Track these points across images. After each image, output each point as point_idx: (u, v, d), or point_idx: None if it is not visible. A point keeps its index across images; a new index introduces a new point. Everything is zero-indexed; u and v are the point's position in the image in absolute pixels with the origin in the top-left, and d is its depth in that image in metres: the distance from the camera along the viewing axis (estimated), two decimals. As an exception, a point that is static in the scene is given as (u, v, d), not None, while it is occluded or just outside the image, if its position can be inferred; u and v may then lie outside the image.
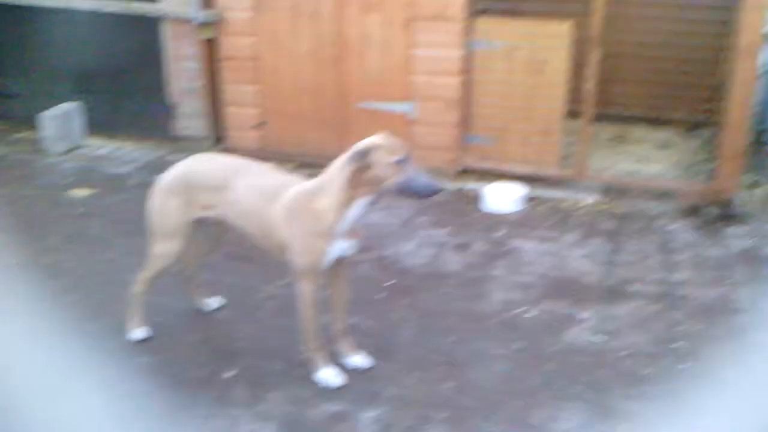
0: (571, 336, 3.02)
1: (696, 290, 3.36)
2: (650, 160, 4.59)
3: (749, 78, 3.71)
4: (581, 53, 4.15)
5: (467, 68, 4.26)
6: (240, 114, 4.80)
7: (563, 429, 2.50)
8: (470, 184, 4.44)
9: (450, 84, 4.26)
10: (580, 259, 3.66)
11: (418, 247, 3.80)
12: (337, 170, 2.45)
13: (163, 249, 2.80)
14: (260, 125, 4.77)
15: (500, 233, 3.92)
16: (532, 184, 4.38)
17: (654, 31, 4.53)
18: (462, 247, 3.78)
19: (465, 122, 4.38)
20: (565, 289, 3.39)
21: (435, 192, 2.41)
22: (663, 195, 4.26)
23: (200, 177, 2.74)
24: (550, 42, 4.07)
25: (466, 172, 4.50)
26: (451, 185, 4.42)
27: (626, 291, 3.36)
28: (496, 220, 4.07)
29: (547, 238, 3.86)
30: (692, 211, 4.08)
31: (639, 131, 4.98)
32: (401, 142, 2.45)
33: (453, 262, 3.64)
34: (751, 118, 3.84)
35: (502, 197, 4.17)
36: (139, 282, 2.92)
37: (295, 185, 2.60)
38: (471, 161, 4.43)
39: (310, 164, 4.70)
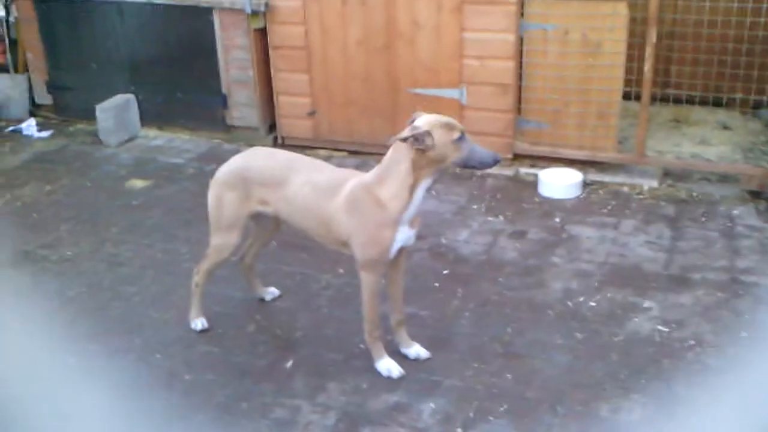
0: (635, 325, 2.96)
1: (762, 278, 3.26)
2: (710, 142, 4.45)
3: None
4: (637, 33, 4.04)
5: (520, 51, 4.18)
6: (291, 103, 4.79)
7: (628, 421, 2.46)
8: (525, 170, 4.37)
9: (503, 68, 4.19)
10: (641, 245, 3.57)
11: (474, 234, 3.76)
12: (398, 156, 2.44)
13: (222, 241, 2.82)
14: (311, 114, 4.76)
15: (557, 220, 3.85)
16: (589, 168, 4.29)
17: (712, 10, 4.36)
18: (518, 235, 3.72)
19: (518, 106, 4.30)
20: (627, 277, 3.31)
21: (496, 162, 2.49)
22: (725, 179, 4.14)
23: (256, 172, 2.75)
24: (605, 23, 3.97)
25: (520, 157, 4.42)
26: (506, 172, 4.36)
27: (690, 279, 3.27)
28: (553, 207, 3.99)
29: (606, 225, 3.78)
30: (756, 195, 3.95)
31: (698, 113, 4.82)
32: (454, 118, 2.49)
33: (510, 249, 3.59)
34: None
35: (559, 183, 4.10)
36: (199, 273, 2.95)
37: (352, 178, 2.59)
38: (525, 146, 4.35)
39: (362, 152, 4.73)
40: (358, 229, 2.53)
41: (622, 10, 3.94)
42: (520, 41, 4.15)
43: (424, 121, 2.43)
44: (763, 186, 3.92)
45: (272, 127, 4.99)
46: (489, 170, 3.58)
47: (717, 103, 4.74)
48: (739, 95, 4.75)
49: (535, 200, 4.09)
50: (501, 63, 4.18)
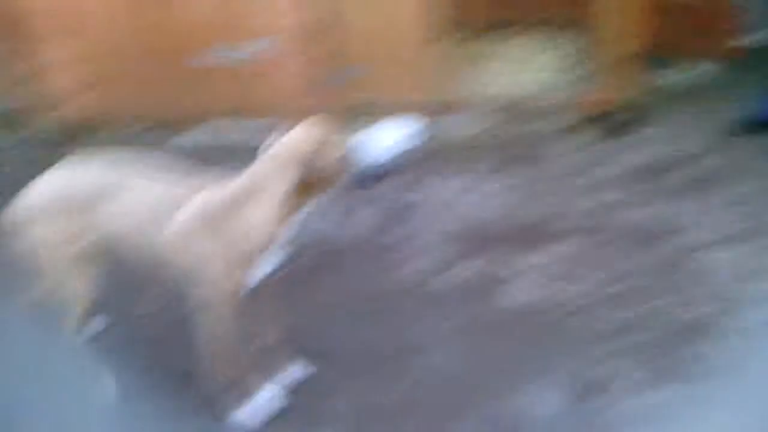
0: (517, 293, 2.63)
1: (626, 213, 3.07)
2: (530, 70, 4.25)
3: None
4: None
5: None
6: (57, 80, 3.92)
7: (548, 414, 2.13)
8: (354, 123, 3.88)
9: (299, 19, 3.63)
10: (491, 199, 3.26)
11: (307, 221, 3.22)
12: (273, 177, 1.89)
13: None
14: (85, 90, 3.92)
15: (392, 184, 3.43)
16: (415, 117, 3.89)
17: None
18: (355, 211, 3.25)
19: (322, 60, 3.78)
20: (489, 238, 2.99)
21: (390, 172, 2.12)
22: (559, 109, 3.92)
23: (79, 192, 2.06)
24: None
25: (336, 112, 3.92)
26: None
27: (555, 229, 3.01)
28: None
29: (448, 180, 3.42)
30: (593, 122, 3.78)
31: (510, 39, 4.61)
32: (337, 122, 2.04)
33: (352, 230, 3.12)
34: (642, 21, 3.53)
35: (383, 141, 3.66)
36: None
37: (199, 192, 1.95)
38: (341, 99, 3.85)
39: (157, 127, 3.98)
40: (205, 261, 1.93)
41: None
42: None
43: (306, 135, 1.92)
44: (602, 110, 3.75)
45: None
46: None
47: (525, 26, 4.54)
48: (545, 15, 4.58)
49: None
50: (302, 11, 3.62)
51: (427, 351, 2.39)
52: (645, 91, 3.82)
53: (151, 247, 2.00)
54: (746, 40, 4.20)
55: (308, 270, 2.82)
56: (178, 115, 3.90)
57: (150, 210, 1.99)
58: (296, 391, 2.22)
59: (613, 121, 3.75)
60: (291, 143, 1.91)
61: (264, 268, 1.98)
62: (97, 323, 2.47)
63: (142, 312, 2.63)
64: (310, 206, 1.97)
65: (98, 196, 2.04)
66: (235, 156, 2.13)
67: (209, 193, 1.96)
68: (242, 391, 2.12)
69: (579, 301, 2.58)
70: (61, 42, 3.86)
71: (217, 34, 3.74)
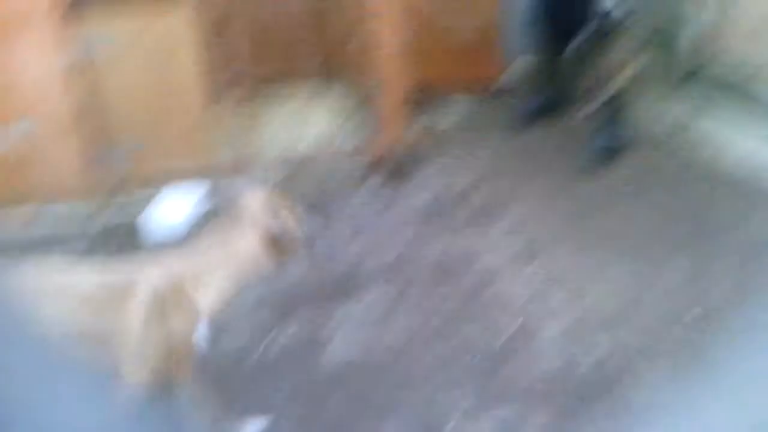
0: (338, 349, 2.66)
1: (422, 251, 3.23)
2: (302, 123, 4.31)
3: (399, 22, 3.60)
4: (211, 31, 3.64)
5: (83, 74, 3.44)
6: None
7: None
8: (126, 202, 3.69)
9: (65, 97, 3.41)
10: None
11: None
12: (240, 241, 1.84)
13: None
14: None
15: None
16: (199, 183, 3.81)
17: None
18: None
19: (96, 137, 3.58)
20: (299, 298, 2.98)
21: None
22: (341, 159, 4.03)
23: None
24: (172, 27, 3.46)
25: (114, 191, 3.72)
26: (103, 216, 3.62)
27: (361, 278, 3.08)
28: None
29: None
30: (375, 168, 3.93)
31: (270, 94, 4.64)
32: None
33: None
34: (409, 66, 3.75)
35: (172, 213, 3.54)
36: None
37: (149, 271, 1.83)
38: (117, 178, 3.66)
39: None
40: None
41: (190, 12, 3.47)
42: (82, 62, 3.41)
43: (259, 202, 1.87)
44: (380, 157, 3.91)
45: None
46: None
47: (287, 80, 4.62)
48: (307, 67, 4.70)
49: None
50: (61, 91, 3.38)
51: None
52: (421, 133, 4.06)
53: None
54: (505, 73, 4.61)
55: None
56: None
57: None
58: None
59: (393, 166, 3.94)
60: (252, 207, 1.86)
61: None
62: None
63: None
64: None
65: None
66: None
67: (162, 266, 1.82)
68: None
69: (398, 344, 2.66)
70: None
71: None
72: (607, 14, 3.69)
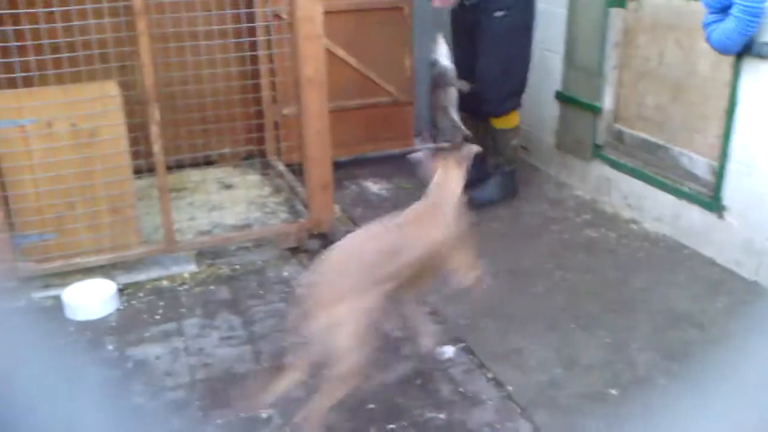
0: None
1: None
2: (223, 206, 4.25)
3: (321, 109, 3.62)
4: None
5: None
6: None
7: None
8: (40, 294, 3.54)
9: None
10: (219, 345, 3.18)
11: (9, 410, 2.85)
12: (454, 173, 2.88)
13: None
14: None
15: (110, 347, 3.19)
16: (114, 271, 3.69)
17: (194, 64, 4.10)
18: (74, 384, 2.95)
19: (10, 222, 3.44)
20: (226, 389, 2.90)
21: None
22: (259, 242, 3.99)
23: None
24: (95, 107, 3.39)
25: (29, 280, 3.56)
26: (17, 302, 3.46)
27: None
28: (96, 331, 3.29)
29: (169, 333, 3.27)
30: (295, 250, 3.91)
31: (191, 176, 4.59)
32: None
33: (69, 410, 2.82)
34: (330, 148, 3.77)
35: (91, 301, 3.41)
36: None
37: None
38: (32, 266, 3.51)
39: None
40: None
41: (112, 90, 3.42)
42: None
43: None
44: (300, 240, 3.90)
45: None
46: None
47: (208, 162, 4.58)
48: (227, 149, 4.68)
49: (69, 329, 3.32)
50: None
51: None
52: (335, 214, 4.07)
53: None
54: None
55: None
56: None
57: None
58: None
59: (313, 248, 3.92)
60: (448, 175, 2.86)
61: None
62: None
63: None
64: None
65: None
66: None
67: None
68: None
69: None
70: None
71: None
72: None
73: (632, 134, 4.35)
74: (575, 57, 4.67)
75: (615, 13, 4.32)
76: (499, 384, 2.90)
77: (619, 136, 4.46)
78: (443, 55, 4.06)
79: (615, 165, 4.42)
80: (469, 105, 4.23)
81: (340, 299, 2.36)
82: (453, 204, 2.79)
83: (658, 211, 4.14)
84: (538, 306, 3.44)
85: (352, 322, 2.35)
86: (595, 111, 4.50)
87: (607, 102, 4.46)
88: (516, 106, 4.45)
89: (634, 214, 4.31)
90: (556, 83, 4.86)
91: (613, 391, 2.83)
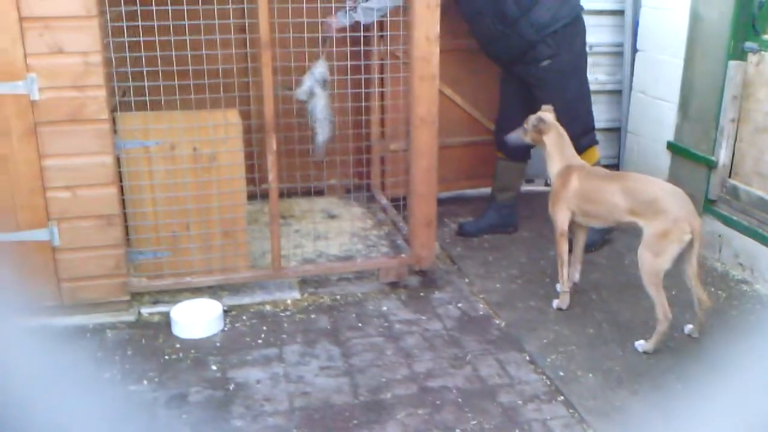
0: None
1: (446, 379, 3.19)
2: (327, 236, 4.33)
3: (431, 147, 3.66)
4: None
5: (121, 174, 3.49)
6: None
7: None
8: (148, 310, 3.67)
9: (102, 196, 3.43)
10: (318, 374, 3.22)
11: (117, 420, 2.95)
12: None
13: None
14: None
15: (214, 368, 3.27)
16: (221, 292, 3.80)
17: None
18: (179, 401, 3.04)
19: (127, 238, 3.60)
20: (323, 419, 2.93)
21: None
22: (361, 273, 4.04)
23: None
24: (217, 133, 3.53)
25: (139, 295, 3.71)
26: (126, 317, 3.60)
27: (384, 401, 3.04)
28: (200, 350, 3.39)
29: (270, 359, 3.33)
30: (395, 285, 3.94)
31: (299, 204, 4.70)
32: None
33: (177, 426, 2.90)
34: (436, 187, 3.80)
35: (197, 319, 3.52)
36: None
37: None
38: (144, 282, 3.65)
39: None
40: None
41: (234, 118, 3.55)
42: (121, 162, 3.47)
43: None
44: (401, 275, 3.92)
45: None
46: (106, 320, 3.41)
47: (316, 192, 4.68)
48: (335, 181, 4.77)
49: (176, 346, 3.43)
50: (99, 191, 3.41)
51: None
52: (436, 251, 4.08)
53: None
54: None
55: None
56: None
57: None
58: None
59: (412, 284, 3.95)
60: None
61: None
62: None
63: None
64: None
65: None
66: None
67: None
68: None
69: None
70: None
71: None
72: None
73: (748, 191, 4.20)
74: (690, 108, 4.57)
75: (735, 65, 4.21)
76: (600, 441, 2.82)
77: (733, 192, 4.30)
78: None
79: (728, 222, 4.28)
80: None
81: None
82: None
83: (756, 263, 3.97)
84: (640, 363, 3.34)
85: None
86: (710, 164, 4.37)
87: (723, 156, 4.32)
88: (592, 143, 4.42)
89: (746, 275, 4.15)
90: (668, 133, 4.75)
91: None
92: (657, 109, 4.81)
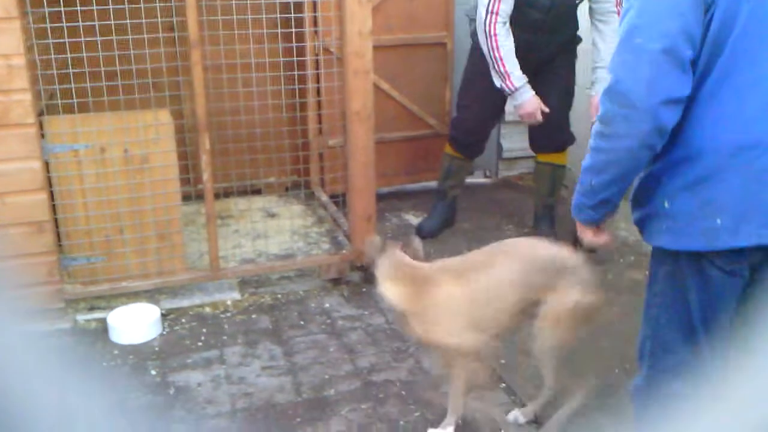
0: None
1: (389, 372, 3.19)
2: (267, 234, 4.29)
3: (367, 142, 3.66)
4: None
5: (50, 180, 3.40)
6: None
7: None
8: (84, 317, 3.59)
9: (32, 203, 3.33)
10: (260, 375, 3.19)
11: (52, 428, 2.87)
12: None
13: None
14: None
15: (153, 372, 3.21)
16: (158, 296, 3.73)
17: (246, 96, 4.15)
18: (115, 407, 2.98)
19: (59, 244, 3.51)
20: (266, 419, 2.90)
21: None
22: (302, 271, 4.02)
23: None
24: (147, 134, 3.47)
25: (75, 302, 3.62)
26: (62, 324, 3.51)
27: (328, 398, 3.03)
28: (139, 356, 3.33)
29: (211, 361, 3.29)
30: (337, 282, 3.93)
31: (237, 204, 4.65)
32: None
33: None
34: (374, 181, 3.79)
35: (135, 325, 3.45)
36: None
37: None
38: (79, 289, 3.56)
39: None
40: None
41: (165, 118, 3.49)
42: (49, 167, 3.37)
43: None
44: (342, 271, 3.91)
45: None
46: (41, 329, 3.28)
47: (254, 191, 4.62)
48: (273, 179, 4.73)
49: (114, 353, 3.36)
50: (28, 197, 3.31)
51: None
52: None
53: None
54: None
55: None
56: None
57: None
58: None
59: (354, 280, 3.94)
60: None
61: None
62: None
63: None
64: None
65: None
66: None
67: None
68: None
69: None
70: None
71: None
72: None
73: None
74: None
75: None
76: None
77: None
78: None
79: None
80: (543, 141, 4.29)
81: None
82: None
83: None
84: (582, 347, 3.39)
85: None
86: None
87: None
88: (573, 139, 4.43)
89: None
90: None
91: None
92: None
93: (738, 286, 1.88)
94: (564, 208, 4.76)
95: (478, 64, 4.04)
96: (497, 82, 3.89)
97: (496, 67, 3.83)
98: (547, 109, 3.95)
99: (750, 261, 1.84)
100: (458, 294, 2.50)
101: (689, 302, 1.91)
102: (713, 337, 1.95)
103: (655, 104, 1.73)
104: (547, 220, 4.46)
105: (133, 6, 3.56)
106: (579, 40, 4.17)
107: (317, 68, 4.47)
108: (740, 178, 1.76)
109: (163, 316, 3.59)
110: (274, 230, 4.37)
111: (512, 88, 3.85)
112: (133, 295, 3.66)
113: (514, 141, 5.55)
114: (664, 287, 1.96)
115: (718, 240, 1.81)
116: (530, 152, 4.68)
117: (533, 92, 3.90)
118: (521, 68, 3.85)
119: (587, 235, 2.11)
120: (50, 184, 3.40)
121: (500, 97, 4.08)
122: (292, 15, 3.90)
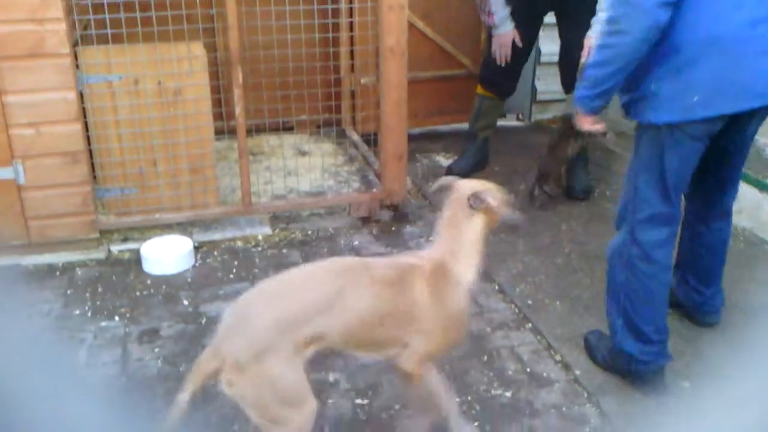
0: (335, 407, 2.63)
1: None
2: (298, 172, 4.30)
3: (400, 79, 3.62)
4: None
5: (84, 110, 3.42)
6: None
7: None
8: (118, 247, 3.65)
9: (66, 133, 3.36)
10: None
11: (93, 351, 2.96)
12: (466, 224, 2.18)
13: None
14: None
15: (186, 303, 3.28)
16: (191, 229, 3.78)
17: (278, 29, 4.10)
18: (151, 336, 3.05)
19: (94, 175, 3.55)
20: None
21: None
22: (333, 209, 4.04)
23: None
24: (181, 67, 3.46)
25: (108, 233, 3.68)
26: (95, 255, 3.58)
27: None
28: (172, 286, 3.39)
29: (242, 292, 3.28)
30: (366, 221, 3.94)
31: (268, 140, 4.66)
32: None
33: (150, 359, 2.92)
34: (406, 119, 3.76)
35: (168, 256, 3.50)
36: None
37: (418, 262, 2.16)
38: (112, 220, 3.62)
39: None
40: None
41: (198, 50, 3.48)
42: (84, 97, 3.39)
43: (472, 185, 2.28)
44: (372, 210, 3.92)
45: None
46: (76, 258, 3.42)
47: (286, 128, 4.63)
48: (305, 116, 4.72)
49: (147, 282, 3.42)
50: (63, 127, 3.34)
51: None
52: (407, 186, 4.08)
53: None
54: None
55: None
56: None
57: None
58: None
59: (383, 218, 3.95)
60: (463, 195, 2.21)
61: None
62: None
63: None
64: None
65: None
66: None
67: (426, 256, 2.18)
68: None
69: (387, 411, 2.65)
70: None
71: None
72: None
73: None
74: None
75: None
76: (566, 367, 2.88)
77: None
78: None
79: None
80: (572, 78, 4.16)
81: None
82: (470, 268, 2.17)
83: (737, 203, 4.02)
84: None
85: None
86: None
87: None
88: None
89: (713, 204, 4.20)
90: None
91: (686, 384, 2.79)
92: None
93: (701, 150, 2.43)
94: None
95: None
96: (482, 17, 4.24)
97: (481, 5, 4.15)
98: (520, 44, 4.18)
99: (711, 129, 2.37)
100: None
101: (664, 162, 2.42)
102: (680, 192, 2.54)
103: (653, 5, 2.17)
104: (581, 163, 4.40)
105: (168, -64, 3.52)
106: None
107: (351, 2, 4.40)
108: (713, 63, 2.24)
109: (196, 248, 3.64)
110: (305, 168, 4.38)
111: (492, 23, 4.16)
112: (166, 227, 3.72)
113: (549, 83, 5.45)
114: (645, 151, 2.47)
115: (693, 113, 2.29)
116: (565, 95, 4.60)
117: (512, 26, 4.15)
118: (537, 7, 4.15)
119: (587, 124, 2.60)
120: (84, 115, 3.42)
121: (530, 34, 4.21)
122: (327, -53, 3.83)
